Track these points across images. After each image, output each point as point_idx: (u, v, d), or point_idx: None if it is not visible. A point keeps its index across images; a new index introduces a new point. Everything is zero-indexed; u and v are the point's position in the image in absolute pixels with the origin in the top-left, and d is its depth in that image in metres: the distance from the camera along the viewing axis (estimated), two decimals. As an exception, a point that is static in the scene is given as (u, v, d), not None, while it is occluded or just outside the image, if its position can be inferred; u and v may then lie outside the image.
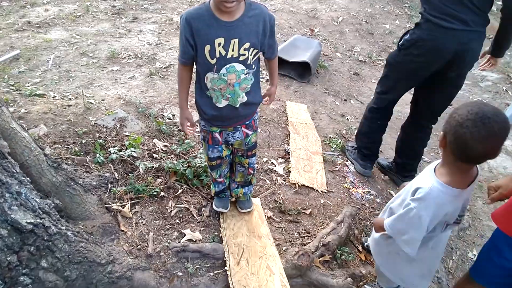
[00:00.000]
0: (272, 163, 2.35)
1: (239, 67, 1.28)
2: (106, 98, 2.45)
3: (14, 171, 1.04)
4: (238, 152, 1.63)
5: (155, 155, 2.05)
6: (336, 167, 2.48)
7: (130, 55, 3.21)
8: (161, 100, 2.58)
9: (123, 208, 1.66)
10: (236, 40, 1.21)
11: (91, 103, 2.29)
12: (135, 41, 3.55)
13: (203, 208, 1.83)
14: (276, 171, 2.29)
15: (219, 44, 1.21)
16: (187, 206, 1.80)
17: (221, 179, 1.72)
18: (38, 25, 3.71)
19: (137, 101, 2.45)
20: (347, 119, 3.13)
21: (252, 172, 1.73)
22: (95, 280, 1.25)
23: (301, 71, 3.55)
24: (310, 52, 3.57)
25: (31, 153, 1.28)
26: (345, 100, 3.45)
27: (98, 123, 2.11)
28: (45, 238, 1.09)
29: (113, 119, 2.18)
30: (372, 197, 2.30)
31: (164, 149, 2.13)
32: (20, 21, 3.75)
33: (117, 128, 2.14)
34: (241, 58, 1.26)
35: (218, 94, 1.36)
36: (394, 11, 5.45)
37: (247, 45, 1.24)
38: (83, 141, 1.90)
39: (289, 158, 2.44)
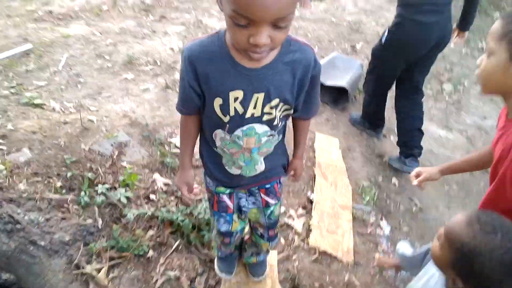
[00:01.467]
0: (290, 216, 1.97)
1: (261, 128, 0.89)
2: (110, 114, 2.15)
3: None
4: (257, 230, 1.25)
5: (152, 196, 1.72)
6: (368, 228, 2.05)
7: (148, 61, 2.91)
8: (172, 122, 2.25)
9: (98, 272, 1.34)
10: (261, 95, 0.82)
11: (91, 120, 2.00)
12: (158, 44, 3.25)
13: (197, 278, 1.48)
14: (293, 227, 1.90)
15: (236, 99, 0.82)
16: (178, 274, 1.45)
17: (229, 251, 1.36)
18: (60, 16, 3.49)
19: (144, 122, 2.13)
20: (385, 161, 2.67)
21: (269, 249, 1.36)
22: None
23: (336, 96, 3.12)
24: (349, 75, 3.13)
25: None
26: (384, 135, 2.98)
27: (93, 148, 1.81)
28: None
29: (111, 144, 1.87)
30: (408, 274, 1.86)
31: (165, 188, 1.79)
32: (41, 9, 3.55)
33: (114, 156, 1.82)
34: (265, 118, 0.87)
35: (228, 158, 0.99)
36: (449, 31, 4.84)
37: (275, 101, 0.85)
38: (69, 174, 1.60)
39: (311, 209, 2.04)
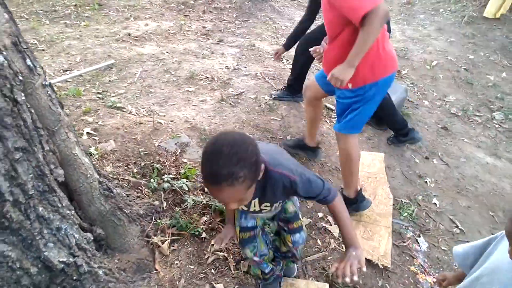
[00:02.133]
0: (328, 221, 2.10)
1: (265, 215, 1.33)
2: (175, 119, 2.50)
3: (59, 205, 1.02)
4: (279, 222, 1.42)
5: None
6: (404, 242, 2.11)
7: (207, 77, 3.30)
8: (226, 129, 2.54)
9: (162, 243, 1.60)
10: (256, 201, 1.18)
11: (160, 123, 2.35)
12: (215, 63, 3.65)
13: (242, 262, 1.68)
14: (331, 231, 2.03)
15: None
16: (226, 255, 1.67)
17: (258, 259, 1.40)
18: (136, 38, 4.08)
19: (202, 127, 2.45)
20: (426, 182, 2.70)
21: (296, 253, 1.46)
22: (114, 326, 1.18)
23: (379, 117, 3.23)
24: (393, 98, 3.23)
25: (86, 180, 1.29)
26: (427, 158, 3.01)
27: (161, 145, 2.14)
28: (74, 277, 1.05)
29: (175, 143, 2.19)
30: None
31: (217, 184, 2.05)
32: (122, 32, 4.18)
33: (177, 153, 2.13)
34: (264, 211, 1.24)
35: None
36: (501, 61, 4.72)
37: (267, 204, 1.20)
38: (143, 163, 1.93)
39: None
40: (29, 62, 1.00)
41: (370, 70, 1.63)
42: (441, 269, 2.00)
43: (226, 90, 3.14)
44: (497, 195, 2.74)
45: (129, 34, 4.14)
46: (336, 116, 1.94)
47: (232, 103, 2.95)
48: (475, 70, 4.48)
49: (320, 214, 2.13)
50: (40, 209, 0.93)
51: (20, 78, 0.93)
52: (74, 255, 1.04)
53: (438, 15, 5.66)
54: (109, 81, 3.04)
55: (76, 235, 1.08)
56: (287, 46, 2.91)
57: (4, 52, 0.87)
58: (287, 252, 1.48)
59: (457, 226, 2.34)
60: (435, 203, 2.49)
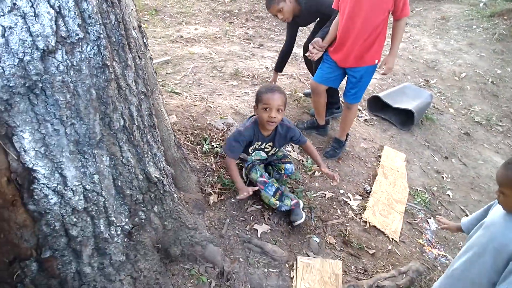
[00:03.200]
0: (348, 197, 2.44)
1: (263, 154, 2.14)
2: (222, 105, 2.97)
3: (157, 139, 1.48)
4: (275, 163, 2.23)
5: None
6: (415, 220, 2.40)
7: (248, 74, 3.76)
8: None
9: (214, 193, 2.02)
10: (267, 143, 2.05)
11: (210, 106, 2.82)
12: (256, 64, 4.12)
13: (275, 215, 2.06)
14: (350, 204, 2.37)
15: (257, 143, 2.03)
16: (261, 209, 2.06)
17: (264, 179, 2.01)
18: (188, 39, 4.66)
19: (244, 112, 2.89)
20: (443, 177, 2.95)
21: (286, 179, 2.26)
22: (180, 237, 1.60)
23: (404, 119, 3.51)
24: (417, 102, 3.51)
25: (167, 131, 1.75)
26: (446, 157, 3.25)
27: (211, 123, 2.59)
28: (161, 191, 1.49)
29: (223, 123, 2.64)
30: (447, 262, 2.15)
31: (256, 157, 2.46)
32: (175, 34, 4.78)
33: (224, 130, 2.58)
34: (266, 150, 2.12)
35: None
36: (532, 76, 4.82)
37: (274, 147, 2.10)
38: (198, 133, 2.39)
39: (367, 197, 2.48)
40: (144, 40, 1.49)
41: (378, 52, 2.37)
42: (446, 245, 2.27)
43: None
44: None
45: (182, 36, 4.74)
46: (346, 93, 2.57)
47: (269, 97, 3.37)
48: (502, 84, 4.62)
49: (342, 191, 2.47)
50: (148, 136, 1.38)
51: (142, 49, 1.40)
52: (163, 176, 1.49)
53: (471, 31, 5.82)
54: (167, 73, 3.58)
55: (164, 163, 1.53)
56: (278, 69, 3.19)
57: (135, 30, 1.35)
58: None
59: (466, 215, 2.58)
60: (448, 195, 2.75)
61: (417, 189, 2.69)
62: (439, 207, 2.61)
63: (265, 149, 2.08)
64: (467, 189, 2.88)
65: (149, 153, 1.41)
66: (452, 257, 2.18)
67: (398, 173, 2.76)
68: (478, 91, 4.45)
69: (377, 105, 3.57)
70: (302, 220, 1.99)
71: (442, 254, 2.18)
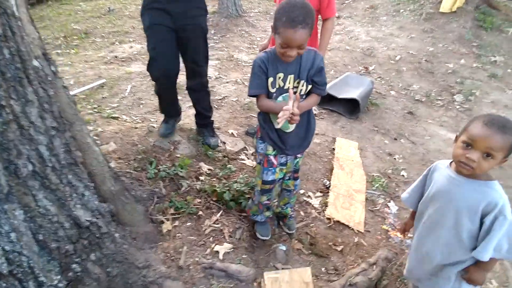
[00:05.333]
0: (309, 196, 2.40)
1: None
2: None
3: (83, 177, 1.30)
4: (286, 175, 1.79)
5: (200, 177, 2.26)
6: (376, 206, 2.41)
7: (192, 86, 3.62)
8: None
9: (167, 220, 1.86)
10: (292, 76, 1.49)
11: (153, 126, 2.64)
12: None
13: (237, 231, 1.95)
14: (311, 204, 2.32)
15: (279, 77, 1.49)
16: (221, 227, 1.94)
17: (268, 202, 1.84)
18: (123, 59, 4.40)
19: (190, 128, 2.74)
20: (395, 158, 3.04)
21: (294, 195, 1.95)
22: (131, 280, 1.43)
23: (350, 108, 3.59)
24: (360, 90, 3.61)
25: (98, 164, 1.56)
26: (395, 139, 3.36)
27: (156, 144, 2.42)
28: (97, 235, 1.31)
29: (168, 142, 2.48)
30: (410, 242, 2.17)
31: (208, 172, 2.33)
32: (109, 55, 4.50)
33: (171, 150, 2.42)
34: (295, 90, 1.52)
35: (274, 117, 1.56)
36: (459, 50, 5.21)
37: (298, 79, 1.51)
38: (141, 159, 2.20)
39: (327, 192, 2.45)
40: (53, 68, 1.30)
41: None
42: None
43: (211, 96, 3.46)
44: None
45: (116, 56, 4.46)
46: None
47: (216, 106, 3.26)
48: (435, 60, 4.94)
49: (302, 191, 2.43)
50: (70, 176, 1.20)
51: (49, 79, 1.22)
52: (96, 217, 1.31)
53: (399, 15, 6.19)
54: (103, 97, 3.32)
55: (96, 202, 1.35)
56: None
57: (39, 60, 1.17)
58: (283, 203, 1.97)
59: (423, 191, 2.66)
60: (403, 175, 2.82)
61: (373, 175, 2.73)
62: (396, 189, 2.66)
63: (294, 87, 1.52)
64: (419, 166, 2.99)
65: (74, 195, 1.23)
66: (415, 236, 2.21)
67: (353, 162, 2.78)
68: (414, 71, 4.70)
69: (324, 98, 3.60)
70: (294, 230, 2.03)
71: (407, 237, 2.20)
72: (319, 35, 2.29)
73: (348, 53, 4.97)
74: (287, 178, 1.81)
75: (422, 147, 3.28)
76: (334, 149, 2.95)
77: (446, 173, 1.21)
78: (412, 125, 3.66)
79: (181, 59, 2.27)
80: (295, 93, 1.47)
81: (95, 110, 2.97)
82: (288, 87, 1.50)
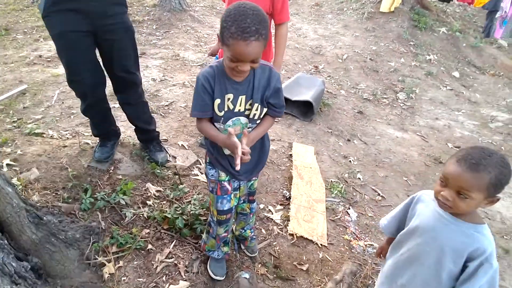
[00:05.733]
0: (269, 211, 2.26)
1: (244, 120, 1.34)
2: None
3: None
4: (240, 199, 1.61)
5: (147, 202, 1.98)
6: (337, 215, 2.37)
7: (133, 91, 3.24)
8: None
9: (108, 262, 1.57)
10: (243, 97, 1.29)
11: (87, 143, 2.27)
12: (142, 76, 3.59)
13: (193, 264, 1.73)
14: (273, 219, 2.19)
15: (228, 99, 1.28)
16: (175, 261, 1.70)
17: (226, 234, 1.63)
18: (49, 59, 3.81)
19: (132, 142, 2.42)
20: (350, 161, 3.04)
21: (251, 218, 1.76)
22: None
23: (304, 110, 3.53)
24: (313, 91, 3.56)
25: (13, 209, 1.23)
26: (349, 140, 3.38)
27: (91, 165, 2.07)
28: (12, 310, 1.01)
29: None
30: (375, 250, 2.16)
31: (157, 194, 2.06)
32: (32, 55, 3.87)
33: (110, 171, 2.09)
34: (247, 113, 1.32)
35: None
36: (399, 49, 5.49)
37: (251, 101, 1.30)
38: (73, 186, 1.86)
39: (288, 204, 2.34)
40: None
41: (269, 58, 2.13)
42: (370, 233, 2.30)
43: (155, 102, 3.13)
44: (407, 162, 3.21)
45: (40, 56, 3.85)
46: None
47: (163, 114, 2.95)
48: (379, 59, 5.13)
49: (262, 205, 2.28)
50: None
51: None
52: (16, 283, 1.01)
53: (343, 13, 6.33)
54: (24, 107, 2.81)
55: (13, 264, 1.04)
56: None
57: None
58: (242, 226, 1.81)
59: (379, 194, 2.70)
60: (359, 178, 2.83)
61: (331, 181, 2.68)
62: (354, 193, 2.66)
63: (246, 110, 1.30)
64: (373, 167, 3.03)
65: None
66: (377, 244, 2.21)
67: (311, 170, 2.71)
68: (361, 70, 4.83)
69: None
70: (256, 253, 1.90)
71: (368, 244, 2.19)
72: (273, 42, 2.11)
73: (298, 51, 4.92)
74: (241, 201, 1.64)
75: (374, 147, 3.35)
76: (291, 155, 2.85)
77: (433, 207, 1.13)
78: (363, 124, 3.73)
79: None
80: (248, 116, 1.31)
81: (15, 124, 2.48)
82: (239, 110, 1.29)
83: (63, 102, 2.95)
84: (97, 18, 1.69)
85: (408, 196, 2.78)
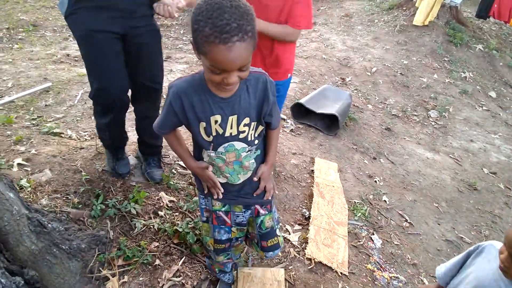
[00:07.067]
0: (287, 230, 2.10)
1: (239, 145, 1.09)
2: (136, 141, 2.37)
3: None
4: (253, 239, 1.36)
5: (159, 212, 1.88)
6: (360, 241, 2.18)
7: (155, 95, 3.20)
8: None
9: (113, 276, 1.47)
10: (235, 117, 1.04)
11: (104, 146, 2.21)
12: (164, 80, 3.56)
13: (202, 285, 1.60)
14: (290, 240, 2.03)
15: (216, 121, 1.03)
16: (183, 281, 1.58)
17: (229, 260, 1.43)
18: (76, 58, 3.86)
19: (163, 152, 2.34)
20: (375, 181, 2.84)
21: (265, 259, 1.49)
22: None
23: (328, 123, 3.36)
24: (339, 104, 3.39)
25: (12, 217, 1.15)
26: (374, 158, 3.18)
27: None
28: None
29: (122, 166, 2.06)
30: (400, 284, 1.96)
31: (170, 205, 1.96)
32: (60, 53, 3.93)
33: (126, 177, 2.01)
34: (241, 136, 1.08)
35: (216, 169, 1.16)
36: (432, 64, 5.22)
37: (246, 120, 1.06)
38: (85, 191, 1.78)
39: (307, 224, 2.18)
40: None
41: (291, 63, 1.98)
42: (395, 263, 2.09)
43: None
44: (438, 187, 2.96)
45: (68, 55, 3.91)
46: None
47: (182, 120, 2.88)
48: (410, 74, 4.89)
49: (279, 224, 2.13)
50: None
51: None
52: None
53: (374, 25, 6.12)
54: (46, 105, 2.81)
55: (2, 280, 0.95)
56: None
57: None
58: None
59: (406, 220, 2.48)
60: (385, 201, 2.62)
61: (355, 202, 2.50)
62: (379, 217, 2.46)
63: (239, 133, 1.07)
64: (400, 189, 2.82)
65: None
66: (404, 278, 2.00)
67: (334, 188, 2.53)
68: (390, 84, 4.61)
69: (301, 111, 3.36)
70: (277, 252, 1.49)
71: (393, 277, 1.99)
72: None
73: (325, 62, 4.77)
74: (255, 242, 1.36)
75: (402, 167, 3.13)
76: (313, 171, 2.69)
77: (494, 267, 0.94)
78: (390, 142, 3.51)
79: None
80: (246, 140, 1.09)
81: (33, 122, 2.47)
82: (231, 133, 1.05)
83: (85, 103, 2.94)
84: (128, 18, 1.55)
85: (439, 224, 2.57)
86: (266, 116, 1.11)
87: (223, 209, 1.26)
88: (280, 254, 1.94)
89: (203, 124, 1.04)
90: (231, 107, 1.02)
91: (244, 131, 1.07)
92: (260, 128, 1.13)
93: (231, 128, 1.05)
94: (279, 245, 1.35)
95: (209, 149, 1.08)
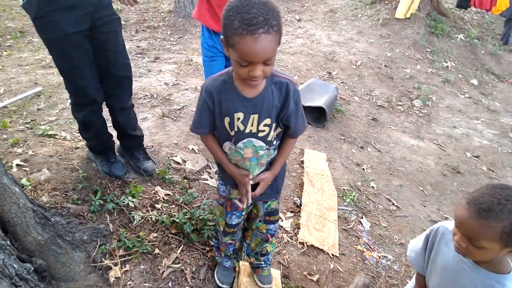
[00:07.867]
0: (279, 218, 2.20)
1: (257, 143, 1.18)
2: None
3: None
4: (256, 218, 1.49)
5: (156, 205, 1.96)
6: (349, 225, 2.29)
7: (146, 95, 3.26)
8: (170, 144, 2.54)
9: (115, 266, 1.55)
10: (256, 116, 1.12)
11: (99, 145, 2.27)
12: (153, 81, 3.63)
13: (200, 270, 1.69)
14: (283, 227, 2.13)
15: (238, 118, 1.13)
16: (182, 267, 1.66)
17: (232, 241, 1.58)
18: (65, 63, 3.89)
19: (145, 143, 2.41)
20: (363, 169, 2.96)
21: (269, 239, 1.55)
22: None
23: (316, 116, 3.47)
24: (326, 97, 3.50)
25: (19, 210, 1.22)
26: (362, 147, 3.30)
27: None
28: (14, 312, 0.99)
29: (118, 164, 2.13)
30: (389, 263, 2.08)
31: (166, 198, 2.04)
32: (48, 58, 3.95)
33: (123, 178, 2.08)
34: (260, 134, 1.16)
35: (234, 162, 1.26)
36: (415, 55, 5.38)
37: (267, 121, 1.14)
38: (83, 188, 1.85)
39: (299, 212, 2.28)
40: None
41: None
42: (383, 244, 2.21)
43: (167, 106, 3.14)
44: (423, 171, 3.10)
45: (57, 60, 3.94)
46: None
47: (174, 118, 2.95)
48: (394, 66, 5.04)
49: (271, 212, 2.22)
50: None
51: None
52: (16, 285, 0.99)
53: (357, 20, 6.26)
54: (38, 109, 2.86)
55: (15, 265, 1.02)
56: None
57: None
58: (254, 248, 1.60)
59: (393, 204, 2.60)
60: (373, 187, 2.74)
61: (344, 189, 2.61)
62: (367, 202, 2.57)
63: (259, 132, 1.15)
64: (387, 175, 2.94)
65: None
66: (392, 256, 2.12)
67: (323, 177, 2.64)
68: (375, 76, 4.74)
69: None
70: (271, 285, 1.63)
71: (382, 256, 2.10)
72: None
73: (311, 57, 4.88)
74: (257, 220, 1.49)
75: (388, 155, 3.26)
76: (303, 161, 2.80)
77: (452, 249, 1.00)
78: (377, 132, 3.64)
79: None
80: (265, 139, 1.17)
81: (27, 126, 2.52)
82: (250, 130, 1.14)
83: (77, 105, 2.98)
84: (94, 11, 1.53)
85: (424, 206, 2.70)
86: (283, 119, 1.16)
87: (238, 197, 1.37)
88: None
89: (227, 119, 1.14)
90: (254, 106, 1.11)
91: (264, 131, 1.15)
92: (279, 129, 1.19)
93: (252, 125, 1.14)
94: (278, 222, 1.55)
95: (231, 141, 1.18)
